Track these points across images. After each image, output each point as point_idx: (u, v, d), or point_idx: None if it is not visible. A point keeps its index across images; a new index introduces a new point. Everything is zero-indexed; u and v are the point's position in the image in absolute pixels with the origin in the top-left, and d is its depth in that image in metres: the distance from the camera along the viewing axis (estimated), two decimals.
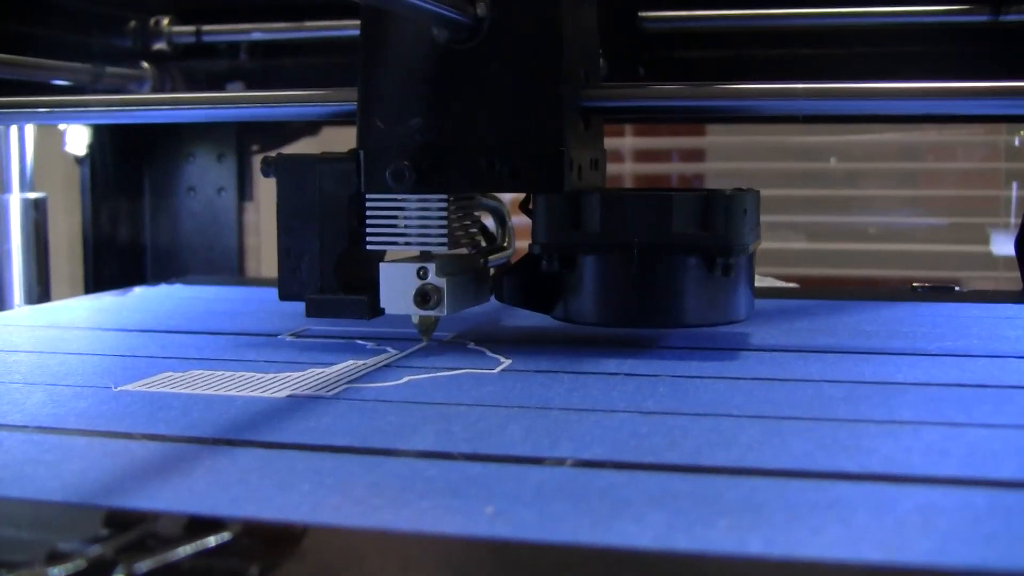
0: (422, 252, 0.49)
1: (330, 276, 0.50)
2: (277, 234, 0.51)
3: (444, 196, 0.49)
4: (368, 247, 0.50)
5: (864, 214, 1.51)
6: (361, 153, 0.49)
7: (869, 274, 1.49)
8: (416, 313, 0.49)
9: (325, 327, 0.55)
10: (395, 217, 0.49)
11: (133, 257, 0.91)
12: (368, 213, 0.49)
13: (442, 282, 0.48)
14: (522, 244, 0.51)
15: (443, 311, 0.48)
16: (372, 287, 0.49)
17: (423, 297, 0.48)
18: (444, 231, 0.49)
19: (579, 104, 0.50)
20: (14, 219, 0.77)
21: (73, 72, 0.75)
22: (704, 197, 0.47)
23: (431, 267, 0.48)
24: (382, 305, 0.49)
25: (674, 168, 1.65)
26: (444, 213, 0.49)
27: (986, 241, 1.44)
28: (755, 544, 0.25)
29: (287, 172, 0.51)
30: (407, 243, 0.49)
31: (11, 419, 0.37)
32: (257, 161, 0.92)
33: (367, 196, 0.49)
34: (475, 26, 0.48)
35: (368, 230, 0.50)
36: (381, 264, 0.49)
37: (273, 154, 0.51)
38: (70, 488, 0.30)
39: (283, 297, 0.51)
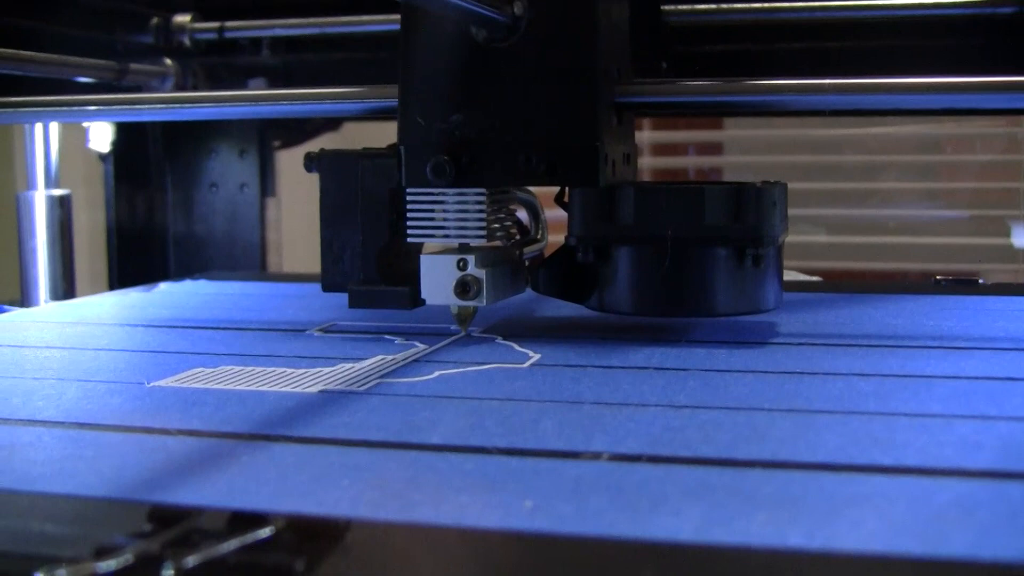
0: (461, 244, 0.50)
1: (372, 268, 0.51)
2: (320, 227, 0.52)
3: (482, 190, 0.50)
4: (408, 240, 0.51)
5: (884, 207, 1.50)
6: (402, 148, 0.50)
7: (889, 267, 1.48)
8: (456, 304, 0.50)
9: (352, 322, 0.56)
10: (434, 211, 0.50)
11: (156, 253, 0.92)
12: (408, 207, 0.51)
13: (482, 273, 0.49)
14: (554, 236, 0.52)
15: (483, 301, 0.49)
16: (413, 278, 0.50)
17: (463, 288, 0.49)
18: (482, 224, 0.50)
19: (613, 100, 0.50)
20: (39, 216, 0.78)
21: (97, 69, 0.76)
22: (735, 190, 0.48)
23: (471, 259, 0.49)
24: (423, 296, 0.50)
25: (692, 161, 1.65)
26: (482, 207, 0.50)
27: (1006, 233, 1.43)
28: (795, 538, 0.25)
29: (330, 167, 0.52)
30: (446, 236, 0.50)
31: (47, 415, 0.38)
32: (279, 157, 0.93)
33: (407, 190, 0.51)
34: (512, 25, 0.49)
35: (408, 223, 0.51)
36: (422, 256, 0.50)
37: (315, 150, 0.52)
38: (111, 484, 0.30)
39: (326, 288, 0.52)
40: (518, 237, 0.54)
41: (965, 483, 0.29)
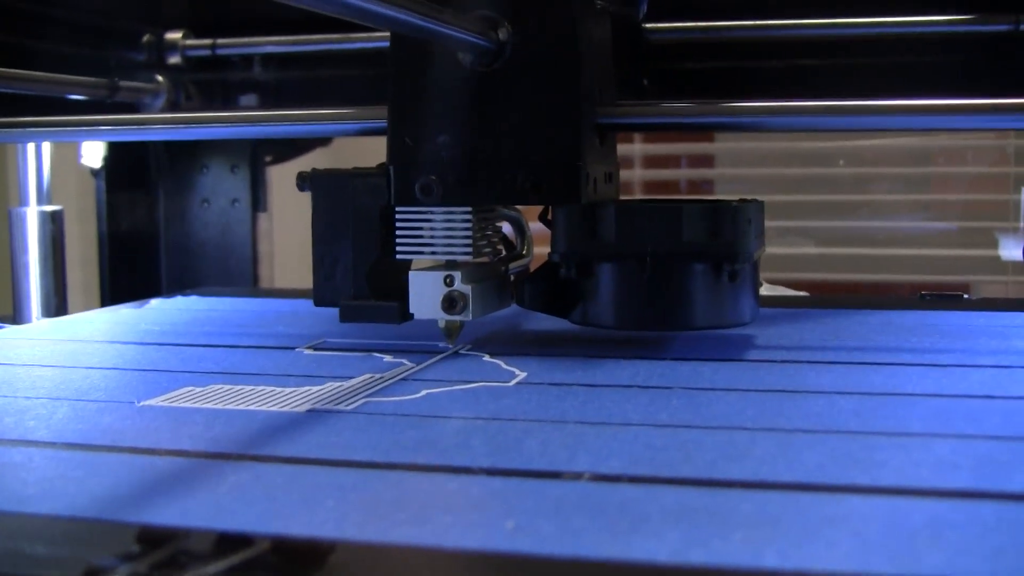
0: (448, 261, 0.52)
1: (363, 283, 0.52)
2: (312, 244, 0.53)
3: (468, 208, 0.51)
4: (398, 256, 0.52)
5: (873, 219, 1.51)
6: (391, 168, 0.52)
7: (878, 279, 1.49)
8: (443, 318, 0.51)
9: (341, 339, 0.56)
10: (423, 228, 0.52)
11: (148, 267, 0.92)
12: (398, 224, 0.52)
13: (468, 289, 0.50)
14: (540, 250, 0.53)
15: (469, 316, 0.51)
16: (402, 294, 0.51)
17: (450, 303, 0.50)
18: (469, 241, 0.51)
19: (595, 121, 0.52)
20: (31, 231, 0.78)
21: (89, 87, 0.76)
22: (712, 208, 0.50)
23: (457, 275, 0.50)
24: (411, 311, 0.51)
25: (683, 174, 1.66)
26: (468, 224, 0.51)
27: (996, 245, 1.44)
28: (770, 558, 0.25)
29: (322, 186, 0.53)
30: (434, 252, 0.52)
31: (38, 435, 0.38)
32: (270, 172, 0.93)
33: (397, 208, 0.52)
34: (498, 50, 0.50)
35: (397, 240, 0.52)
36: (410, 272, 0.51)
37: (308, 170, 0.54)
38: (100, 505, 0.30)
39: (318, 303, 0.53)
40: (504, 253, 0.55)
41: (939, 503, 0.29)
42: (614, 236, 0.50)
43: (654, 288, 0.50)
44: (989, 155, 1.50)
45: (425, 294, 0.51)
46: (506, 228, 0.55)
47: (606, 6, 0.54)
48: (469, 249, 0.51)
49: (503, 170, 0.50)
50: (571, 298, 0.53)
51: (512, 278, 0.55)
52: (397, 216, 0.52)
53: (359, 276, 0.53)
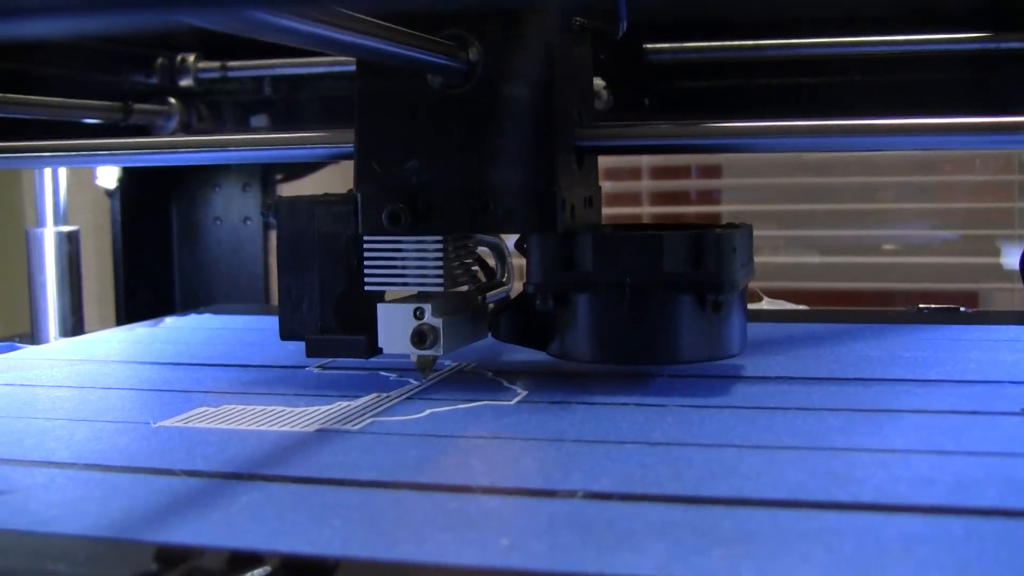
0: (420, 292, 0.50)
1: (330, 316, 0.51)
2: (278, 274, 0.52)
3: (439, 237, 0.49)
4: (367, 288, 0.50)
5: (879, 228, 1.52)
6: (358, 195, 0.50)
7: (884, 287, 1.50)
8: (413, 352, 0.49)
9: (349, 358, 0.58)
10: (393, 258, 0.50)
11: (162, 285, 0.94)
12: (366, 254, 0.50)
13: (438, 322, 0.49)
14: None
15: (439, 351, 0.49)
16: (372, 326, 0.50)
17: (419, 337, 0.48)
18: (440, 272, 0.49)
19: (573, 144, 0.50)
20: (48, 252, 0.80)
21: (103, 110, 0.78)
22: (694, 236, 0.48)
23: (427, 307, 0.48)
24: (380, 345, 0.50)
25: (692, 184, 1.67)
26: (440, 254, 0.49)
27: (1001, 254, 1.45)
28: (747, 572, 0.27)
29: (287, 214, 0.51)
30: (405, 283, 0.50)
31: (59, 456, 0.40)
32: (281, 190, 0.95)
33: (365, 237, 0.50)
34: (468, 71, 0.48)
35: (366, 271, 0.50)
36: (379, 305, 0.50)
37: (272, 198, 0.53)
38: (119, 525, 0.32)
39: (284, 337, 0.52)
40: (483, 281, 0.54)
41: (913, 519, 0.31)
42: (591, 266, 0.48)
43: (634, 321, 0.49)
44: (996, 163, 1.51)
45: (394, 327, 0.49)
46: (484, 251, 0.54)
47: (584, 23, 0.52)
48: (441, 280, 0.49)
49: (475, 197, 0.49)
50: (547, 330, 0.51)
51: (490, 306, 0.53)
52: (365, 245, 0.50)
53: (326, 308, 0.51)
